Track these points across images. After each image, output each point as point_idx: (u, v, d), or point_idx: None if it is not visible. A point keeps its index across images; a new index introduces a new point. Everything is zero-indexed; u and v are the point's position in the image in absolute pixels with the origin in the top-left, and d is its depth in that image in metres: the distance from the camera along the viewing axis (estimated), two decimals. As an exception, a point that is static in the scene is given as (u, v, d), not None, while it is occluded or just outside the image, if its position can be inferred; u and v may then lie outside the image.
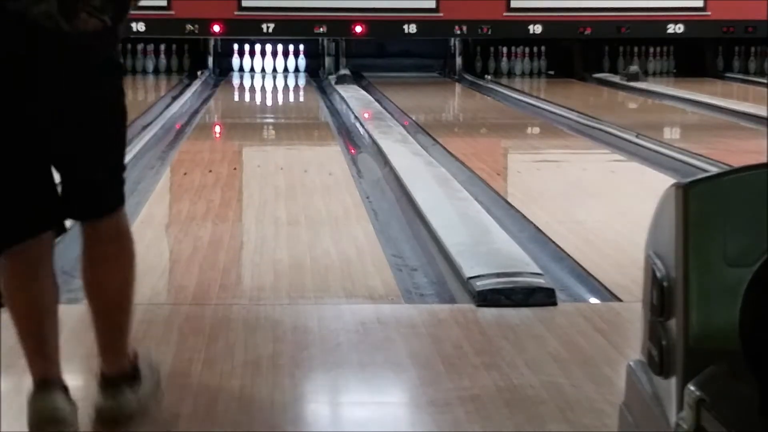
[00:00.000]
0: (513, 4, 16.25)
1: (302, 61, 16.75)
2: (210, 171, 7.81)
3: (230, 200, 7.03)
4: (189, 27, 15.65)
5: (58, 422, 2.89)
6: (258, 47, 16.65)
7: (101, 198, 2.97)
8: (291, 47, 16.73)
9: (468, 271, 4.64)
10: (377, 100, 12.84)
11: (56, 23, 2.75)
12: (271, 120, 12.45)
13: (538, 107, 12.72)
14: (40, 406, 2.92)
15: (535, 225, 6.08)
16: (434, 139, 9.70)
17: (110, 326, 3.09)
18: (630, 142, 9.41)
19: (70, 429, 2.91)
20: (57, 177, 2.97)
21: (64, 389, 2.97)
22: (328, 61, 16.69)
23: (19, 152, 2.84)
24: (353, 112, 11.54)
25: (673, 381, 2.09)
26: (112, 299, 3.05)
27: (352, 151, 9.48)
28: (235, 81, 16.04)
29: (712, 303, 2.05)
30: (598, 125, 10.45)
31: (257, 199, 7.08)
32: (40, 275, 2.95)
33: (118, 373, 3.09)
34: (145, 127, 9.68)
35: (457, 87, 16.00)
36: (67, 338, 3.97)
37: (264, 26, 15.90)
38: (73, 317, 4.21)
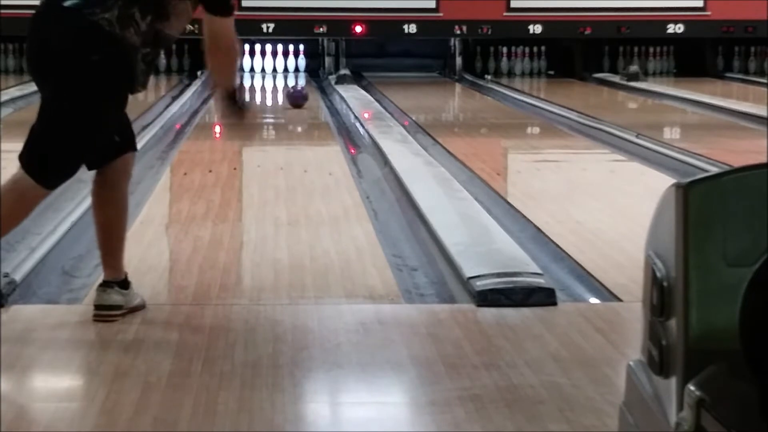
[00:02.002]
0: (513, 4, 16.25)
1: (302, 61, 16.75)
2: (210, 171, 7.80)
3: (230, 200, 7.03)
4: (189, 27, 15.61)
5: (106, 308, 4.11)
6: (258, 47, 16.65)
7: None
8: (291, 47, 16.73)
9: (468, 271, 4.63)
10: (377, 100, 12.83)
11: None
12: (271, 120, 12.44)
13: (538, 107, 12.72)
14: (97, 298, 4.16)
15: (535, 225, 6.07)
16: (434, 139, 9.69)
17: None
18: (630, 142, 9.40)
19: (117, 312, 4.12)
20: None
21: (122, 284, 4.16)
22: (328, 61, 16.69)
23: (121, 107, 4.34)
24: (353, 112, 11.53)
25: (673, 381, 2.09)
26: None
27: (352, 151, 9.47)
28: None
29: (712, 303, 2.05)
30: (598, 125, 10.44)
31: (257, 199, 7.08)
32: (113, 197, 4.18)
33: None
34: (145, 127, 9.67)
35: (457, 87, 15.99)
36: (68, 338, 3.99)
37: (264, 26, 15.89)
38: (74, 317, 4.22)
